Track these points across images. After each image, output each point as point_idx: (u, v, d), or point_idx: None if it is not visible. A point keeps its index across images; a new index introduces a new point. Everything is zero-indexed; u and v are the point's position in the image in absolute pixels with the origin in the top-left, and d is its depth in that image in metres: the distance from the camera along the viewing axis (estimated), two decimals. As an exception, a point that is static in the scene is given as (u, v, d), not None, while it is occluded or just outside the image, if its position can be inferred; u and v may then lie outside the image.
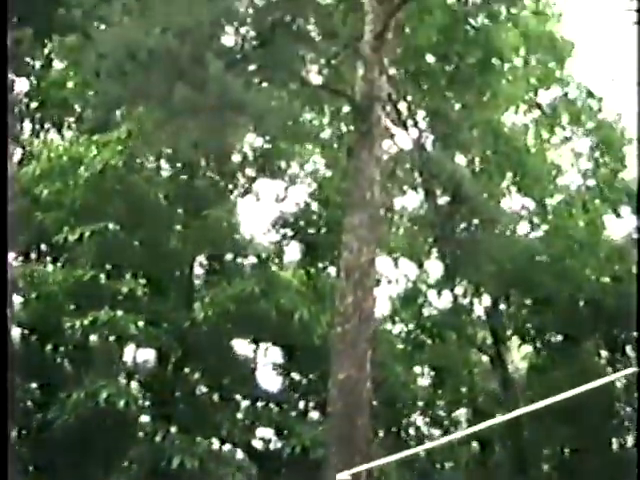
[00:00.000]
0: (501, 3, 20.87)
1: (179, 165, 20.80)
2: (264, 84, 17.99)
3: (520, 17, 23.18)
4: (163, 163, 21.17)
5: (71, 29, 20.79)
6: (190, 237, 19.71)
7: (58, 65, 22.53)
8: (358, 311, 15.99)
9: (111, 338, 18.87)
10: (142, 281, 19.06)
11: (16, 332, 18.99)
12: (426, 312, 25.58)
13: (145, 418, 19.56)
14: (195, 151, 18.64)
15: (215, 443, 20.48)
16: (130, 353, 20.88)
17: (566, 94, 24.87)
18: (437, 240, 23.26)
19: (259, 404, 21.13)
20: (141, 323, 18.08)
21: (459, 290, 25.14)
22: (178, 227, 19.95)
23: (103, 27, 19.17)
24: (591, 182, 25.20)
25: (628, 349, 23.98)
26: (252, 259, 21.06)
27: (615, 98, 26.61)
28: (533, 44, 23.67)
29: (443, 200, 22.64)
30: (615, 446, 23.60)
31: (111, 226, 18.70)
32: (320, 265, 22.72)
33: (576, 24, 25.37)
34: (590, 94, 24.92)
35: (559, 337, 24.75)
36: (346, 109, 20.78)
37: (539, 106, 24.65)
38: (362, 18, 17.99)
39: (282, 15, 18.47)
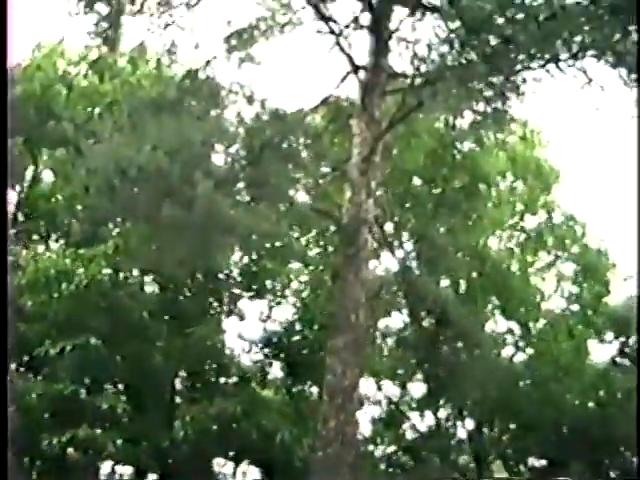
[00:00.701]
0: (489, 129, 21.19)
1: (164, 282, 20.78)
2: (252, 203, 18.11)
3: (507, 142, 23.58)
4: (148, 279, 21.14)
5: (62, 142, 21.04)
6: (173, 354, 19.61)
7: (48, 177, 22.65)
8: (340, 435, 15.82)
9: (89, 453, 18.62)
10: (123, 397, 18.88)
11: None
12: (408, 434, 25.32)
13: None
14: (181, 268, 18.66)
15: None
16: (107, 468, 20.59)
17: (551, 219, 25.13)
18: (421, 362, 23.18)
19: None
20: (120, 441, 17.85)
21: (442, 413, 24.94)
22: (161, 344, 19.84)
23: (94, 142, 19.44)
24: (575, 306, 25.30)
25: (612, 474, 23.83)
26: (234, 378, 20.92)
27: (599, 224, 26.83)
28: (520, 169, 24.04)
29: (428, 322, 22.65)
30: None
31: (93, 341, 18.58)
32: (303, 386, 22.53)
33: (562, 150, 25.81)
34: (574, 220, 25.20)
35: (543, 462, 24.56)
36: (333, 229, 20.90)
37: (524, 230, 24.86)
38: (350, 140, 18.25)
39: (272, 135, 18.73)
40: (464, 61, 16.32)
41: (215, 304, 21.74)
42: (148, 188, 17.59)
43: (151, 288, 21.29)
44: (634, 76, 17.51)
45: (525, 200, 24.40)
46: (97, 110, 21.81)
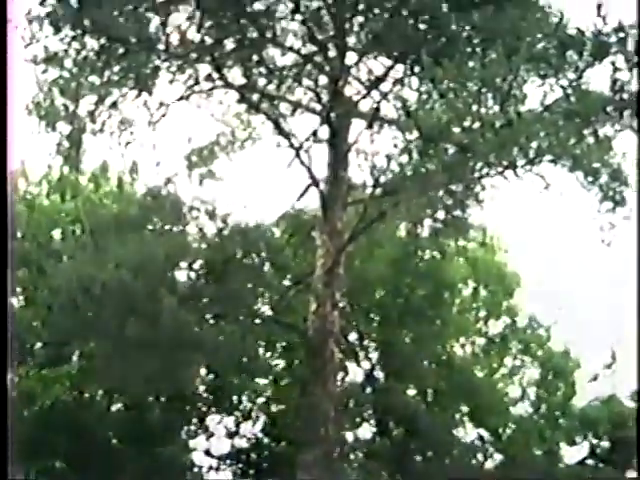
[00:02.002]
0: (449, 236, 21.41)
1: (130, 401, 20.50)
2: (217, 319, 18.08)
3: (469, 249, 23.77)
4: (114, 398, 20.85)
5: (24, 263, 20.93)
6: (141, 476, 19.23)
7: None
8: None
9: None
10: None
11: None
12: None
13: None
14: (147, 387, 18.45)
15: None
16: None
17: (515, 323, 25.20)
18: (392, 474, 22.87)
19: None
20: None
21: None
22: (129, 466, 19.47)
23: (57, 261, 19.41)
24: (543, 410, 25.23)
25: None
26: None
27: (563, 325, 26.91)
28: (481, 275, 24.17)
29: (397, 433, 22.44)
30: None
31: (58, 464, 18.24)
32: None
33: (523, 254, 26.01)
34: (538, 323, 25.31)
35: None
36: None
37: (488, 336, 24.89)
38: (313, 252, 18.34)
39: (234, 250, 18.81)
40: (423, 170, 16.54)
41: (182, 422, 21.45)
42: (112, 306, 17.54)
43: (117, 407, 20.98)
44: (590, 179, 17.89)
45: (488, 305, 24.49)
46: (59, 229, 21.79)
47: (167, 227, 19.08)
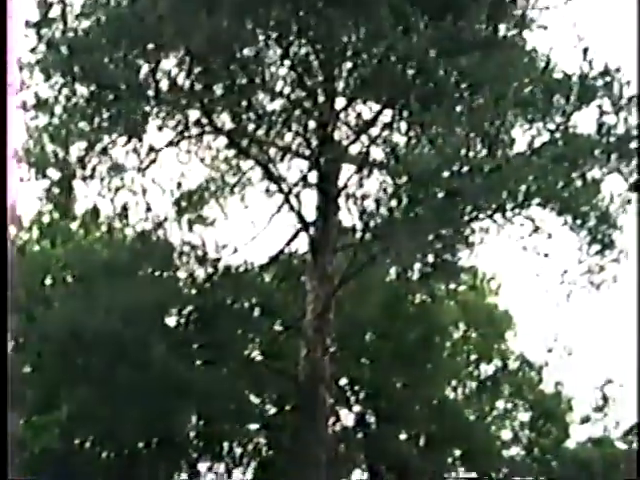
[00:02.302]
0: (440, 280, 21.39)
1: (120, 447, 20.34)
2: (207, 365, 18.02)
3: (459, 292, 23.77)
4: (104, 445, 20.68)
5: (14, 309, 20.82)
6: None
7: None
8: None
9: None
10: None
11: None
12: None
13: None
14: (137, 433, 18.34)
15: None
16: None
17: (506, 366, 25.17)
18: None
19: None
20: None
21: None
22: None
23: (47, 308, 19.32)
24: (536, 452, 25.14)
25: None
26: None
27: (554, 368, 26.86)
28: (472, 318, 24.17)
29: (389, 477, 22.30)
30: None
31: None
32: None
33: (514, 296, 26.02)
34: (530, 365, 25.28)
35: None
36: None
37: (480, 379, 24.83)
38: (303, 297, 18.32)
39: (224, 295, 18.81)
40: (413, 215, 16.59)
41: (173, 468, 21.27)
42: (102, 352, 17.49)
43: (107, 454, 20.79)
44: (579, 222, 17.95)
45: (479, 348, 24.46)
46: (50, 275, 21.70)
47: (157, 273, 19.09)
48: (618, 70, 17.21)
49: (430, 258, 20.05)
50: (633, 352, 21.40)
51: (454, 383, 24.04)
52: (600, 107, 16.88)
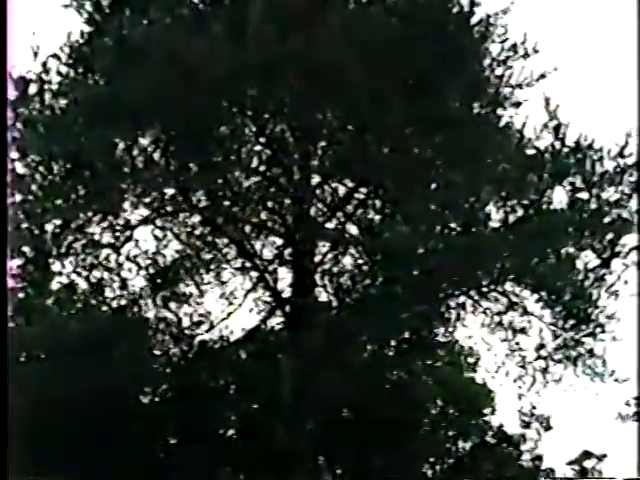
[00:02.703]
0: (417, 357, 21.34)
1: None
2: (183, 443, 17.84)
3: (436, 368, 23.69)
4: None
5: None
6: None
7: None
8: None
9: None
10: None
11: None
12: None
13: None
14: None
15: None
16: None
17: (485, 443, 25.03)
18: None
19: None
20: None
21: None
22: None
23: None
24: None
25: None
26: None
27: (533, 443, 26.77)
28: (450, 394, 24.07)
29: None
30: None
31: None
32: None
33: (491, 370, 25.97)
34: (508, 440, 25.20)
35: None
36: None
37: (457, 455, 24.67)
38: (280, 374, 18.20)
39: (199, 373, 18.69)
40: (389, 292, 16.64)
41: None
42: (76, 430, 17.29)
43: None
44: (554, 297, 18.04)
45: (457, 424, 24.33)
46: (24, 353, 21.48)
47: (133, 350, 18.95)
48: (590, 147, 17.46)
49: (407, 334, 20.10)
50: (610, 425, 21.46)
51: (432, 460, 23.87)
52: (572, 184, 17.08)
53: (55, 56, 17.73)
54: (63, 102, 17.42)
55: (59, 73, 17.61)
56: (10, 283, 20.97)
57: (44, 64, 17.50)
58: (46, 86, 17.52)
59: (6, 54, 14.38)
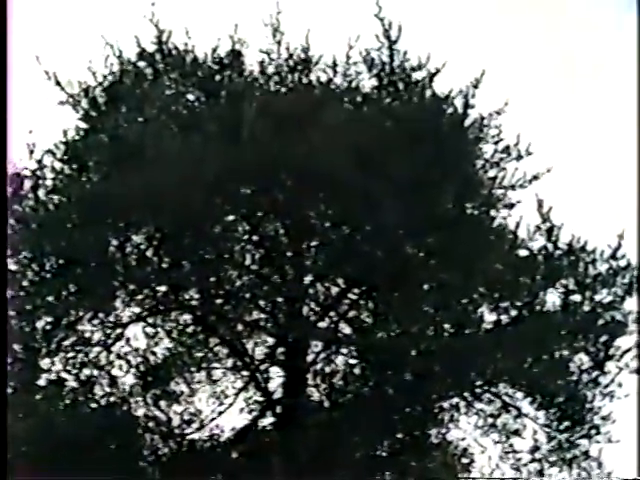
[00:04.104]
0: (410, 458, 20.96)
1: None
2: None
3: (430, 469, 23.31)
4: None
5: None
6: None
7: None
8: None
9: None
10: None
11: None
12: None
13: None
14: None
15: None
16: None
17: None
18: None
19: None
20: None
21: None
22: None
23: None
24: None
25: None
26: None
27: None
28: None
29: None
30: None
31: None
32: None
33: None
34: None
35: None
36: None
37: None
38: (272, 475, 17.96)
39: (188, 475, 18.39)
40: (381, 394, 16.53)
41: None
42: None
43: None
44: (548, 399, 17.92)
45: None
46: (10, 451, 21.16)
47: (121, 448, 18.67)
48: (583, 249, 17.52)
49: (400, 435, 19.88)
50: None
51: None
52: (565, 286, 17.10)
53: (50, 152, 17.90)
54: (57, 198, 17.51)
55: (54, 170, 17.75)
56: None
57: (39, 161, 17.64)
58: (40, 182, 17.63)
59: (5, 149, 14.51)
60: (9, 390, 22.17)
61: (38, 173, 17.65)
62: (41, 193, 17.59)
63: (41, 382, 21.35)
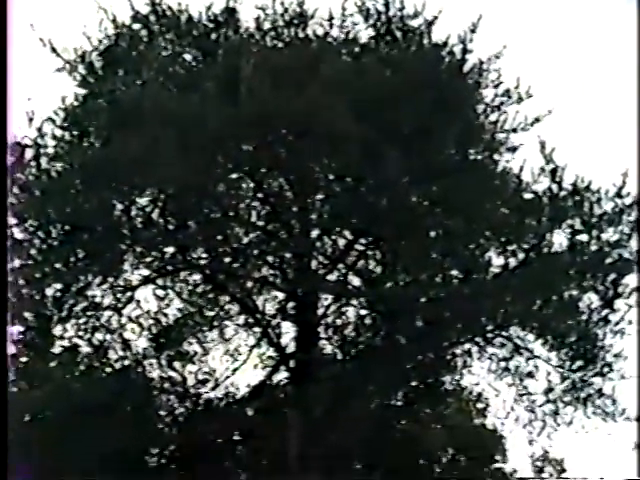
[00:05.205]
0: (425, 405, 21.18)
1: None
2: None
3: (445, 416, 23.50)
4: None
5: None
6: None
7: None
8: None
9: None
10: None
11: None
12: None
13: None
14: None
15: None
16: None
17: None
18: None
19: None
20: None
21: None
22: None
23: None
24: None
25: None
26: None
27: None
28: (460, 441, 23.86)
29: None
30: None
31: None
32: None
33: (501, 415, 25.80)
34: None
35: None
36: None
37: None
38: (287, 430, 18.07)
39: (206, 432, 18.52)
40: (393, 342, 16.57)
41: None
42: None
43: None
44: (559, 339, 17.96)
45: (469, 472, 24.05)
46: (28, 417, 21.33)
47: (137, 411, 18.79)
48: (587, 189, 17.47)
49: (414, 383, 19.97)
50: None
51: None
52: (572, 226, 17.07)
53: (50, 120, 17.84)
54: (59, 165, 17.48)
55: (54, 137, 17.71)
56: (12, 349, 20.96)
57: (39, 129, 17.59)
58: (42, 150, 17.60)
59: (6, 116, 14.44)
60: (24, 359, 22.40)
61: (39, 141, 17.61)
62: (43, 161, 17.56)
63: (55, 350, 21.55)
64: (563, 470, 25.95)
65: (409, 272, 16.33)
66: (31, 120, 17.53)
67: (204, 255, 18.18)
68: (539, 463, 25.38)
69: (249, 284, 18.37)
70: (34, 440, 19.05)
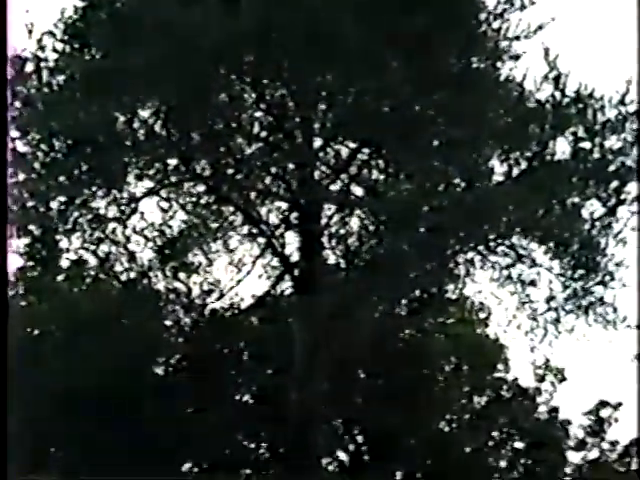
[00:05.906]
0: (428, 314, 21.41)
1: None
2: (199, 411, 17.93)
3: (448, 325, 23.75)
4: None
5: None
6: None
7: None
8: None
9: None
10: None
11: None
12: None
13: None
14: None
15: None
16: None
17: (500, 396, 25.11)
18: None
19: None
20: None
21: None
22: None
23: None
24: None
25: None
26: None
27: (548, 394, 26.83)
28: (463, 350, 24.11)
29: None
30: None
31: None
32: None
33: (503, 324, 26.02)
34: (523, 393, 25.27)
35: None
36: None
37: (474, 411, 24.77)
38: (292, 339, 18.26)
39: (211, 341, 18.76)
40: (395, 251, 16.61)
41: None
42: (91, 405, 17.40)
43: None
44: (562, 247, 18.04)
45: (472, 380, 24.39)
46: (37, 330, 21.57)
47: (144, 322, 19.02)
48: (591, 96, 17.37)
49: (417, 292, 20.13)
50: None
51: (448, 416, 23.95)
52: (575, 134, 17.02)
53: (50, 33, 17.71)
54: (60, 78, 17.40)
55: (55, 50, 17.60)
56: (20, 262, 21.12)
57: (39, 41, 17.47)
58: (42, 63, 17.50)
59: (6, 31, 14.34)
60: (35, 272, 22.58)
61: (39, 54, 17.50)
62: (44, 74, 17.47)
63: (63, 264, 21.73)
64: (564, 378, 26.19)
65: (412, 181, 16.33)
66: (30, 32, 17.40)
67: (207, 167, 18.20)
68: (540, 371, 25.60)
69: (252, 195, 18.43)
70: (42, 354, 19.36)
